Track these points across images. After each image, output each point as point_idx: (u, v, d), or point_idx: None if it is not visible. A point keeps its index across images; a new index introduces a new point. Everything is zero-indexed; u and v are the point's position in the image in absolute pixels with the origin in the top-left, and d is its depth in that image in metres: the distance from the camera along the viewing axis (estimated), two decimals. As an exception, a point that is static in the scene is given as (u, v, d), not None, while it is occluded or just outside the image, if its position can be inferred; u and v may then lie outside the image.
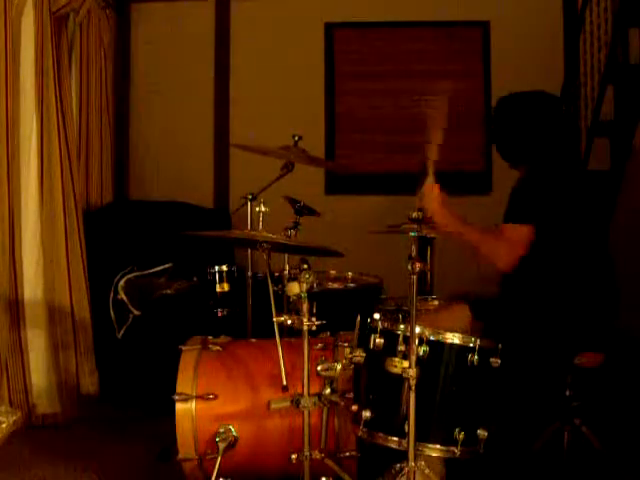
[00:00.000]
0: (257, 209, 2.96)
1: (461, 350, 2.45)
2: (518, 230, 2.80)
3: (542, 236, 2.81)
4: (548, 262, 2.84)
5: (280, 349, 2.58)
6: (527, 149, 2.99)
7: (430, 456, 2.47)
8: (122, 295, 4.20)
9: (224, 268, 3.59)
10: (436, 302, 3.44)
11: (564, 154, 2.98)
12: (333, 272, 3.88)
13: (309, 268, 2.56)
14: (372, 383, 2.54)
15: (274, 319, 2.60)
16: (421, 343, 2.40)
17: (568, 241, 2.83)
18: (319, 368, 2.55)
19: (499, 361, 2.47)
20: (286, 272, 3.25)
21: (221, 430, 2.71)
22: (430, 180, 2.84)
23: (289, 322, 2.57)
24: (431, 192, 2.82)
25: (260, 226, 3.04)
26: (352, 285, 3.79)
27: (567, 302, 2.81)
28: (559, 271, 2.84)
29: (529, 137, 2.98)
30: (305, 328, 2.53)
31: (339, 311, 2.94)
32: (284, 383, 2.57)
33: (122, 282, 4.23)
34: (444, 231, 2.83)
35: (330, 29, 5.47)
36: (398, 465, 2.45)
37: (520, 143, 3.00)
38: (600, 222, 2.93)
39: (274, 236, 2.66)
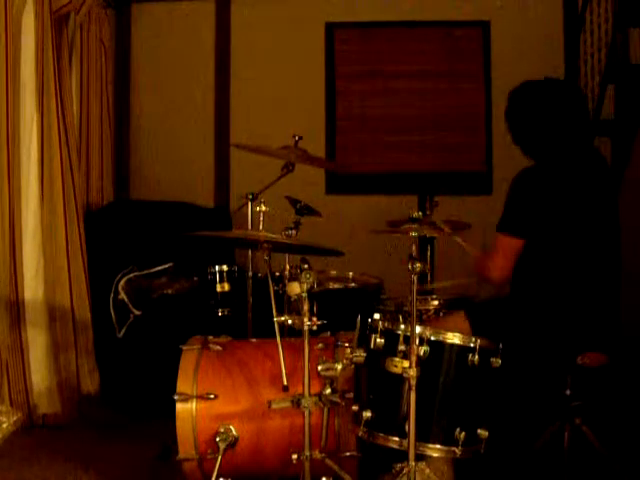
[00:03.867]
0: (258, 209, 2.96)
1: (462, 350, 2.45)
2: (507, 241, 2.83)
3: (544, 238, 2.80)
4: (550, 263, 2.84)
5: (280, 349, 2.58)
6: (540, 137, 2.91)
7: (437, 458, 2.48)
8: (122, 295, 4.20)
9: (224, 268, 3.59)
10: (436, 302, 3.44)
11: (575, 147, 2.90)
12: (334, 272, 3.87)
13: (309, 268, 2.56)
14: (373, 383, 2.54)
15: (274, 319, 2.60)
16: (421, 343, 2.40)
17: (570, 242, 2.81)
18: (320, 368, 2.55)
19: (500, 361, 2.48)
20: (287, 272, 3.25)
21: (221, 430, 2.70)
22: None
23: (289, 322, 2.58)
24: None
25: (261, 226, 3.04)
26: (352, 285, 3.79)
27: (569, 302, 2.81)
28: (561, 271, 2.83)
29: (543, 124, 2.89)
30: (306, 328, 2.53)
31: (339, 311, 2.95)
32: (285, 383, 2.57)
33: (122, 282, 4.23)
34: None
35: (331, 29, 5.47)
36: (399, 465, 2.45)
37: (534, 131, 2.92)
38: (607, 220, 2.90)
39: (275, 236, 2.67)
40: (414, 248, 2.42)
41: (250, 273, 3.50)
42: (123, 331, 4.21)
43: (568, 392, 2.90)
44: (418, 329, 2.39)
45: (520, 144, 2.99)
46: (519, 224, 2.82)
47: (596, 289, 2.83)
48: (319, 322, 2.57)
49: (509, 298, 2.98)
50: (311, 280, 2.54)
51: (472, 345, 2.45)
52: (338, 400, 2.59)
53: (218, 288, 3.58)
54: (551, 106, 2.90)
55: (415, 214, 2.50)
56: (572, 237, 2.81)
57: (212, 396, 2.74)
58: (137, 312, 4.18)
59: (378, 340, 2.46)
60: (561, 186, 2.82)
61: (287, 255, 3.23)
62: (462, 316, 2.88)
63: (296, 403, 2.55)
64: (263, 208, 2.95)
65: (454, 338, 2.47)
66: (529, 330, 2.83)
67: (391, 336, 2.46)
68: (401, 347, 2.42)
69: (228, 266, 3.60)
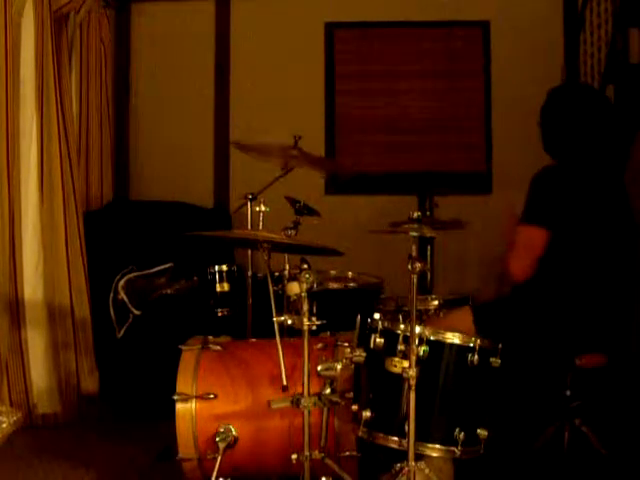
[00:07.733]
0: (257, 209, 2.96)
1: (461, 350, 2.45)
2: (531, 232, 2.80)
3: (554, 238, 2.80)
4: (553, 264, 2.83)
5: (280, 349, 2.58)
6: (572, 142, 2.93)
7: (437, 457, 2.48)
8: (122, 295, 4.20)
9: (224, 268, 3.59)
10: (436, 302, 3.44)
11: (602, 153, 2.93)
12: (333, 272, 3.87)
13: (309, 268, 2.56)
14: (372, 383, 2.53)
15: (274, 319, 2.60)
16: (421, 343, 2.39)
17: (576, 245, 2.81)
18: (319, 368, 2.55)
19: (499, 361, 2.48)
20: (286, 272, 3.24)
21: (221, 430, 2.71)
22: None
23: (289, 322, 2.57)
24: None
25: (260, 226, 3.04)
26: (352, 285, 3.78)
27: (570, 303, 2.80)
28: (564, 273, 2.83)
29: (577, 130, 2.92)
30: (305, 328, 2.52)
31: (339, 311, 2.95)
32: (284, 383, 2.57)
33: (122, 282, 4.23)
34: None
35: (330, 29, 5.47)
36: (398, 465, 2.45)
37: (566, 135, 2.94)
38: (620, 225, 2.90)
39: (274, 235, 2.66)
40: (414, 248, 2.42)
41: (250, 273, 3.50)
42: (123, 331, 4.21)
43: (568, 392, 2.90)
44: (418, 329, 2.39)
45: (550, 142, 2.99)
46: (544, 216, 2.80)
47: (599, 291, 2.83)
48: (319, 322, 2.57)
49: (510, 297, 2.98)
50: (311, 280, 2.54)
51: (472, 345, 2.44)
52: (338, 400, 2.59)
53: (218, 288, 3.58)
54: (592, 112, 2.94)
55: (415, 214, 2.50)
56: (581, 239, 2.80)
57: (212, 396, 2.74)
58: (137, 312, 4.18)
59: (378, 340, 2.45)
60: (584, 187, 2.84)
61: (287, 255, 3.23)
62: (468, 312, 2.89)
63: (296, 403, 2.54)
64: (263, 208, 2.95)
65: (454, 338, 2.46)
66: (530, 330, 2.83)
67: (391, 336, 2.46)
68: (401, 347, 2.41)
69: (228, 266, 3.60)
